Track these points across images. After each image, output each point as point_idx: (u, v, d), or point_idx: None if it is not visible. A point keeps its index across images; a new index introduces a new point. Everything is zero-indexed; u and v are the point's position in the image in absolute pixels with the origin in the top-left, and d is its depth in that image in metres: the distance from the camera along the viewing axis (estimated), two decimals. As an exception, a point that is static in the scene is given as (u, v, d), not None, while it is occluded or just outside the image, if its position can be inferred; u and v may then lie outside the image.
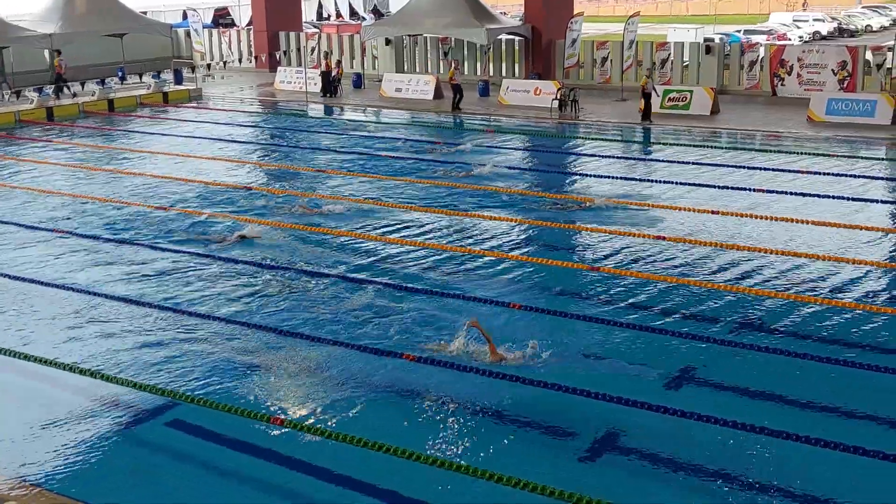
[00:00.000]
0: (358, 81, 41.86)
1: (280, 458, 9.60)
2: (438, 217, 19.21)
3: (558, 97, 34.26)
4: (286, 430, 10.02)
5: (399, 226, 18.61)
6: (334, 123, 33.79)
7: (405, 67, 43.56)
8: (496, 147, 27.65)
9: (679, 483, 8.84)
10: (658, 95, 32.48)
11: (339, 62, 41.06)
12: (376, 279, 15.03)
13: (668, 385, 11.01)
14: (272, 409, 10.69)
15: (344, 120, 34.50)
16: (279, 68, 43.09)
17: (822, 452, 9.11)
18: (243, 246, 17.15)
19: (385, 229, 18.27)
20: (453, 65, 36.72)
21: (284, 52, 45.90)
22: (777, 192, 20.42)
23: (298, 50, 45.73)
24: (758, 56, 35.79)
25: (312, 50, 44.73)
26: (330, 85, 39.34)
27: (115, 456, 9.88)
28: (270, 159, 27.27)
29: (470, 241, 17.41)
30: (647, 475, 9.00)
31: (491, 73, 41.11)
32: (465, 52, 42.71)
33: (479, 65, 42.32)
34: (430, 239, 17.65)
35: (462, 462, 9.11)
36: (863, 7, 77.83)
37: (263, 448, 9.83)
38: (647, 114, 31.63)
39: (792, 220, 18.03)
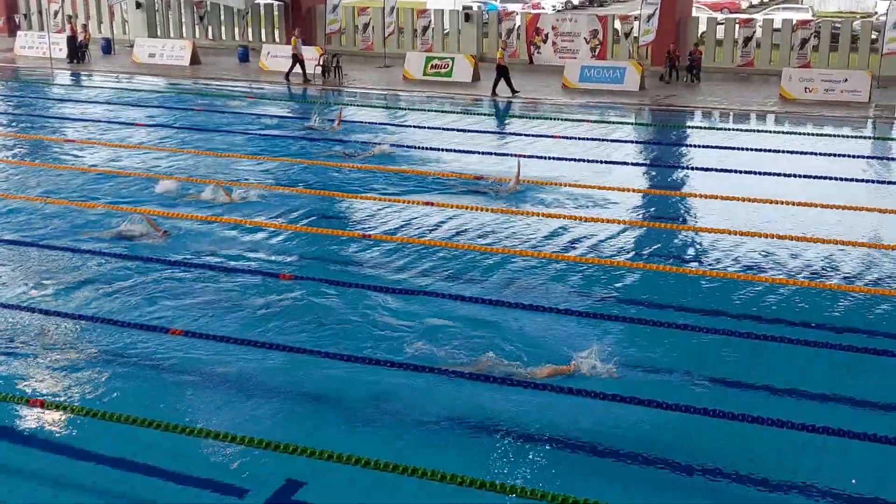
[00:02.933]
0: (107, 47, 39.52)
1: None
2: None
3: (321, 63, 33.76)
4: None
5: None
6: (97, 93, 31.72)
7: (158, 32, 41.62)
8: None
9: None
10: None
11: (84, 26, 38.66)
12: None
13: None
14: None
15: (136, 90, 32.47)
16: (19, 33, 40.08)
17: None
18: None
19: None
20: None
21: (25, 16, 42.72)
22: (540, 157, 20.83)
23: (40, 13, 42.74)
24: (514, 24, 36.67)
25: (56, 13, 41.87)
26: (77, 51, 36.92)
27: None
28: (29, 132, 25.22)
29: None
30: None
31: (250, 39, 40.01)
32: (222, 17, 41.31)
33: (237, 30, 41.07)
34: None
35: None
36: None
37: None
38: (508, 86, 30.25)
39: (552, 184, 18.45)
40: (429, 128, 24.57)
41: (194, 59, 36.69)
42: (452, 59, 34.06)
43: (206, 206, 16.47)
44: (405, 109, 27.90)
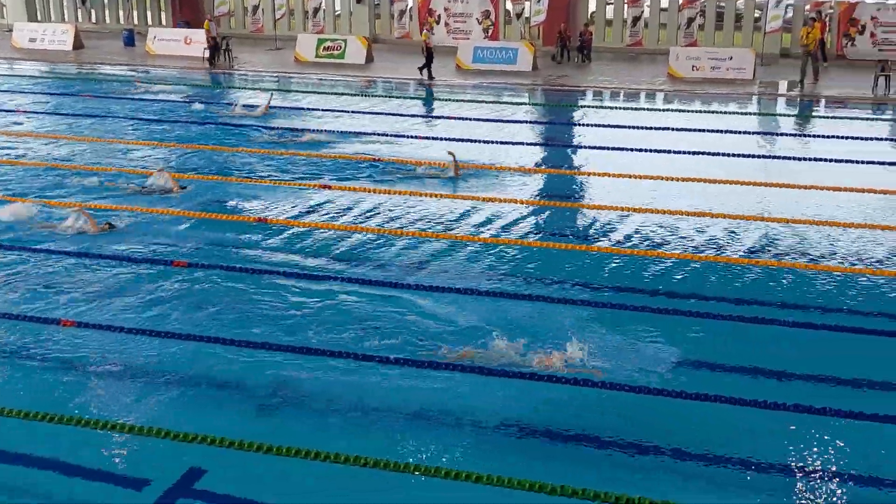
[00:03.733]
0: (-16, 30, 38.09)
1: None
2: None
3: (209, 46, 33.07)
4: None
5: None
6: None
7: (38, 16, 40.17)
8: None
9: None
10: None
11: (-41, 9, 37.14)
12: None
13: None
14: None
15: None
16: None
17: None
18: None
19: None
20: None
21: None
22: (437, 138, 20.82)
23: None
24: (406, 6, 36.56)
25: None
26: (-50, 34, 35.46)
27: None
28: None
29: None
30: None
31: (136, 22, 38.93)
32: (106, 0, 40.11)
33: (122, 13, 39.93)
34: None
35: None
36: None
37: None
38: (427, 70, 30.14)
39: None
40: (354, 112, 24.17)
41: (77, 44, 35.56)
42: (345, 40, 33.79)
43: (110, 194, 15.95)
44: (324, 94, 27.47)
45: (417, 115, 23.95)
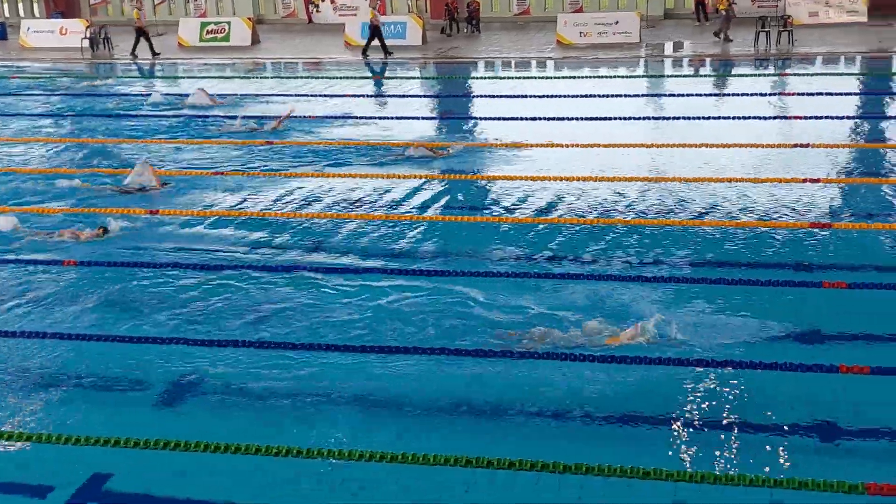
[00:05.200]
0: None
1: None
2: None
3: (88, 36, 31.98)
4: None
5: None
6: None
7: None
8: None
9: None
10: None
11: None
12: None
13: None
14: None
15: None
16: None
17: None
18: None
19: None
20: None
21: None
22: (331, 116, 20.54)
23: None
24: (290, -16, 35.98)
25: None
26: None
27: None
28: None
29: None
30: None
31: (7, 14, 37.42)
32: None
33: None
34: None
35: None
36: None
37: None
38: (382, 47, 29.27)
39: (333, 143, 18.24)
40: (300, 95, 23.50)
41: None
42: (229, 23, 33.07)
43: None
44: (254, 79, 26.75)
45: (310, 95, 23.57)
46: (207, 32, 32.63)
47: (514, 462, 7.17)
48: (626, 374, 8.65)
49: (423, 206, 14.23)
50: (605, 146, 16.80)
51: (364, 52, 29.29)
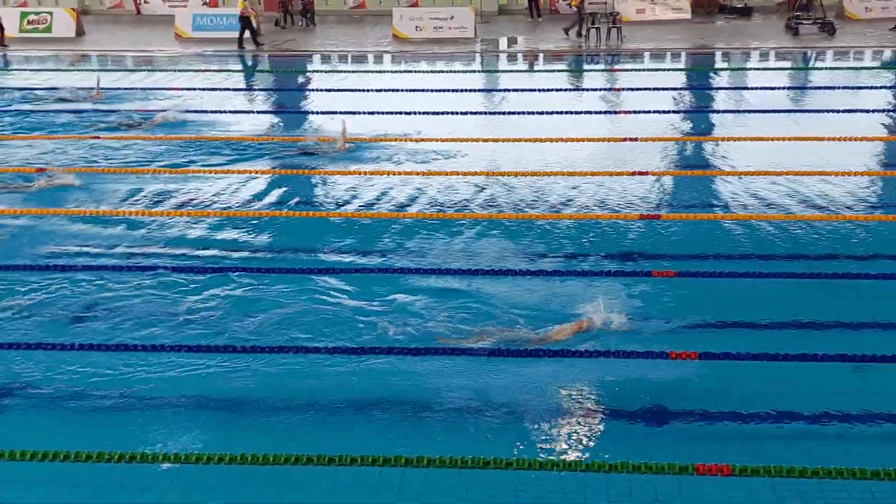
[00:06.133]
0: None
1: None
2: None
3: None
4: None
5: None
6: None
7: None
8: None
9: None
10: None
11: None
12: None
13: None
14: None
15: None
16: None
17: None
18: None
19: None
20: None
21: None
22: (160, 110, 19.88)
23: None
24: (116, -26, 34.67)
25: None
26: None
27: None
28: None
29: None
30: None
31: None
32: None
33: None
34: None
35: None
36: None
37: None
38: (253, 39, 28.61)
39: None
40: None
41: None
42: (51, 13, 31.55)
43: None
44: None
45: (145, 88, 22.70)
46: (28, 23, 31.01)
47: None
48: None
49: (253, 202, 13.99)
50: (441, 141, 16.87)
51: (239, 44, 28.59)
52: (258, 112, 20.79)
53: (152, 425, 7.97)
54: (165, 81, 23.64)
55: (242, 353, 9.06)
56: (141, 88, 22.47)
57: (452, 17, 30.58)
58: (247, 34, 28.39)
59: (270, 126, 19.44)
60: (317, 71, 26.18)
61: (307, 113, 20.86)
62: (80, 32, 31.09)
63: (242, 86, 24.12)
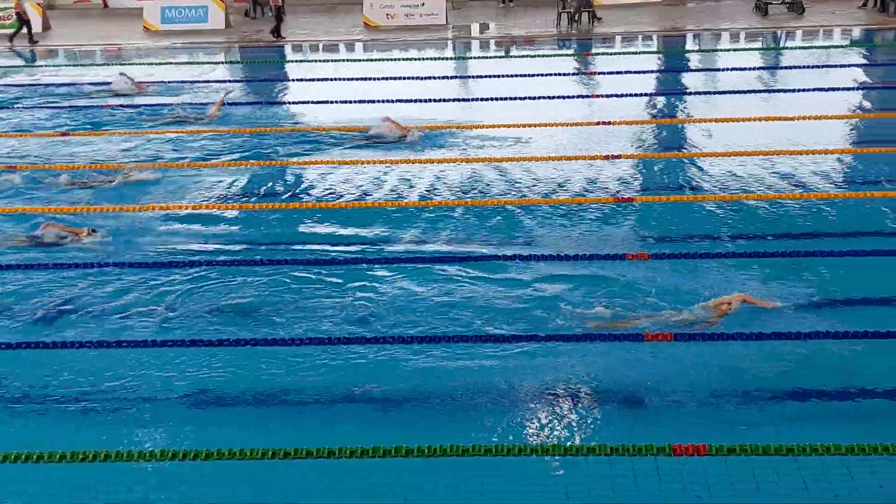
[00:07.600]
0: None
1: None
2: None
3: None
4: None
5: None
6: None
7: None
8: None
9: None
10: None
11: None
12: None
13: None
14: None
15: None
16: None
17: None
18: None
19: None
20: None
21: None
22: (131, 106, 19.74)
23: None
24: (83, -33, 34.29)
25: None
26: None
27: None
28: None
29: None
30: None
31: None
32: None
33: None
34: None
35: None
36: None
37: None
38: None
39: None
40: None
41: None
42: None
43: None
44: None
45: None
46: (-7, 19, 30.66)
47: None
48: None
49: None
50: (420, 129, 16.85)
51: (11, 38, 28.61)
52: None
53: (133, 423, 7.98)
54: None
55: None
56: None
57: (423, 4, 30.44)
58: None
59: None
60: (291, 60, 26.02)
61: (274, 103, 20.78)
62: (46, 27, 30.71)
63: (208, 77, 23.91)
